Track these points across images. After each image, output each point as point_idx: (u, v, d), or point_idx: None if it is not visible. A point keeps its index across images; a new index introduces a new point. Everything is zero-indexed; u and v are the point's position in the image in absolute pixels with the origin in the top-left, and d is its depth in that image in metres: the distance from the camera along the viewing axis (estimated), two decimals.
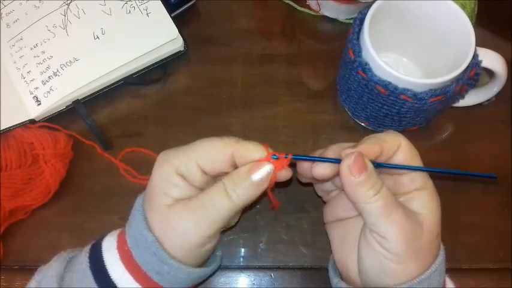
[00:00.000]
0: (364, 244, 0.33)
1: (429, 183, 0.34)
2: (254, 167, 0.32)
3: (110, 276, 0.32)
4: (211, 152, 0.32)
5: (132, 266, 0.32)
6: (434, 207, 0.33)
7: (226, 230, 0.41)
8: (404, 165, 0.33)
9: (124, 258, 0.33)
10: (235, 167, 0.33)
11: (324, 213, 0.40)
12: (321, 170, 0.33)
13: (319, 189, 0.40)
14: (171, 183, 0.32)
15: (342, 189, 0.35)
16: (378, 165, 0.33)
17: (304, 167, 0.35)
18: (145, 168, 0.46)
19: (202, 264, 0.36)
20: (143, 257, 0.32)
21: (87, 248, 0.35)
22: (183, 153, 0.32)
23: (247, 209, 0.42)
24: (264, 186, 0.32)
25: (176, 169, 0.32)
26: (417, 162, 0.34)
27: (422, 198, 0.33)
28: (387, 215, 0.31)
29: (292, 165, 0.34)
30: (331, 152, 0.35)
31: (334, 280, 0.37)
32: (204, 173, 0.32)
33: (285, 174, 0.33)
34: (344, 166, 0.31)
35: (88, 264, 0.33)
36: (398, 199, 0.33)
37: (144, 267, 0.32)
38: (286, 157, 0.32)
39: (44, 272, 0.35)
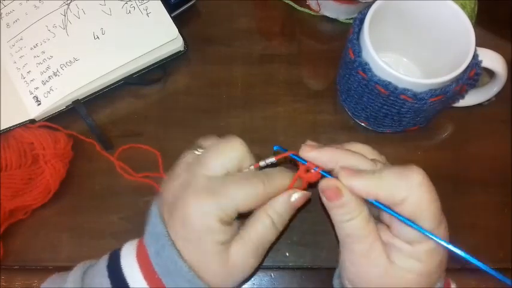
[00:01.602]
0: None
1: (425, 243, 0.30)
2: (293, 193, 0.34)
3: None
4: (249, 198, 0.32)
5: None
6: (412, 263, 0.30)
7: None
8: (401, 217, 0.29)
9: (150, 280, 0.32)
10: None
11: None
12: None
13: None
14: (215, 230, 0.31)
15: None
16: (369, 202, 0.31)
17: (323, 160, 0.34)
18: (143, 166, 0.46)
19: None
20: (175, 284, 0.32)
21: (104, 262, 0.34)
22: (224, 202, 0.31)
23: None
24: (299, 205, 0.34)
25: (220, 219, 0.31)
26: (425, 221, 0.30)
27: (404, 251, 0.30)
28: (348, 242, 0.31)
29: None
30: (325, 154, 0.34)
31: (335, 281, 0.37)
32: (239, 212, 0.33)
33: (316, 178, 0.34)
34: (319, 187, 0.32)
35: (109, 283, 0.32)
36: (384, 235, 0.32)
37: None
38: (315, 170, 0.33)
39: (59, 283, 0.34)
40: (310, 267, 0.43)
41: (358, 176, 0.30)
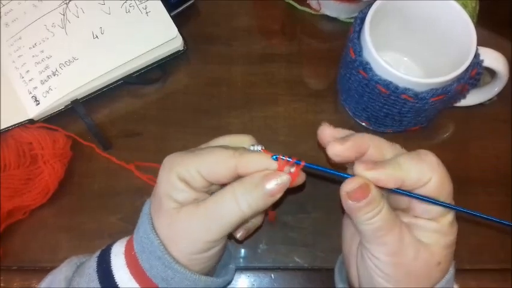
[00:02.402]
0: (360, 254, 0.33)
1: (445, 217, 0.31)
2: (270, 176, 0.30)
3: (115, 282, 0.32)
4: (213, 163, 0.31)
5: (137, 272, 0.32)
6: (440, 238, 0.31)
7: (252, 232, 0.39)
8: (422, 197, 0.30)
9: (130, 264, 0.32)
10: (239, 177, 0.32)
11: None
12: (337, 151, 0.31)
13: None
14: (175, 188, 0.31)
15: None
16: (390, 190, 0.30)
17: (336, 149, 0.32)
18: (144, 166, 0.46)
19: (209, 273, 0.35)
20: (148, 262, 0.32)
21: (97, 253, 0.35)
22: (186, 160, 0.31)
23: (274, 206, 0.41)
24: (278, 196, 0.31)
25: (179, 175, 0.31)
26: (445, 196, 0.31)
27: (429, 228, 0.31)
28: (380, 236, 0.30)
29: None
30: (342, 134, 0.32)
31: (339, 286, 0.37)
32: (207, 180, 0.32)
33: (300, 179, 0.32)
34: (342, 192, 0.30)
35: (95, 269, 0.33)
36: (403, 218, 0.32)
37: (149, 272, 0.32)
38: (298, 163, 0.31)
39: (54, 275, 0.35)
40: (311, 268, 0.43)
41: (380, 168, 0.29)
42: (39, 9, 0.49)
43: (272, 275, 0.42)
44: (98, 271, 0.33)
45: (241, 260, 0.43)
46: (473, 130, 0.49)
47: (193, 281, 0.32)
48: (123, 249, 0.33)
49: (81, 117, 0.47)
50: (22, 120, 0.46)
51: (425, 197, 0.30)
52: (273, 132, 0.48)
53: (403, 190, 0.30)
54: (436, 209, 0.31)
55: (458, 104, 0.48)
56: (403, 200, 0.32)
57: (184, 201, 0.31)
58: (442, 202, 0.30)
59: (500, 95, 0.46)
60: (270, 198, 0.31)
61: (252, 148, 0.33)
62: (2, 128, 0.45)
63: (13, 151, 0.43)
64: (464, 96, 0.46)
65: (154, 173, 0.45)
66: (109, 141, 0.47)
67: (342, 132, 0.33)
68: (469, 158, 0.48)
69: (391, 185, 0.29)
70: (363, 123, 0.48)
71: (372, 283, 0.32)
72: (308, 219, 0.44)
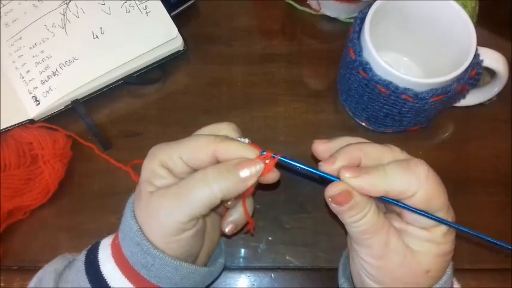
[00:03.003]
0: (351, 251, 0.33)
1: (436, 228, 0.31)
2: (244, 163, 0.31)
3: (101, 272, 0.32)
4: (194, 148, 0.32)
5: (120, 260, 0.32)
6: (430, 247, 0.31)
7: (241, 229, 0.39)
8: (409, 207, 0.30)
9: (115, 253, 0.33)
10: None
11: None
12: (320, 148, 0.33)
13: None
14: (156, 174, 0.32)
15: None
16: (377, 198, 0.30)
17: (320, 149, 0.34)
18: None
19: (191, 262, 0.34)
20: (129, 249, 0.32)
21: (87, 247, 0.35)
22: (169, 147, 0.32)
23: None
24: (250, 183, 0.31)
25: (161, 162, 0.32)
26: (436, 208, 0.31)
27: (420, 236, 0.31)
28: (365, 239, 0.30)
29: (281, 166, 0.33)
30: (337, 145, 0.33)
31: (340, 280, 0.37)
32: (189, 166, 0.32)
33: (273, 175, 0.32)
34: (326, 195, 0.30)
35: (83, 260, 0.34)
36: (396, 223, 0.32)
37: (130, 259, 0.32)
38: (274, 156, 0.31)
39: (45, 269, 0.35)
40: (311, 267, 0.43)
41: (364, 175, 0.30)
42: (39, 9, 0.49)
43: (272, 275, 0.42)
44: (85, 262, 0.33)
45: (241, 260, 0.43)
46: (473, 130, 0.49)
47: (174, 266, 0.32)
48: (111, 240, 0.34)
49: (81, 117, 0.47)
50: (22, 120, 0.46)
51: (414, 208, 0.30)
52: (273, 132, 0.48)
53: (390, 199, 0.30)
54: (427, 220, 0.31)
55: (458, 104, 0.48)
56: (392, 207, 0.33)
57: (162, 186, 0.32)
58: (429, 215, 0.30)
59: (500, 95, 0.46)
60: (242, 184, 0.31)
61: (242, 140, 0.33)
62: (2, 128, 0.45)
63: (13, 151, 0.43)
64: (464, 96, 0.46)
65: None
66: (109, 141, 0.47)
67: (335, 144, 0.33)
68: (469, 158, 0.48)
69: (373, 194, 0.30)
70: (363, 123, 0.48)
71: (361, 281, 0.33)
72: (308, 219, 0.44)
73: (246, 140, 0.33)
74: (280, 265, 0.43)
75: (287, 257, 0.43)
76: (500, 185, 0.47)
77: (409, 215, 0.31)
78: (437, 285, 0.32)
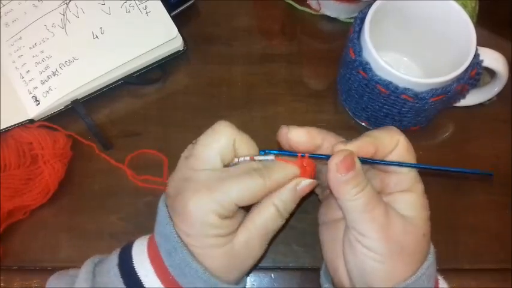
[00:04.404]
0: (346, 243, 0.33)
1: (417, 186, 0.33)
2: (303, 188, 0.33)
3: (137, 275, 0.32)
4: (250, 196, 0.32)
5: (157, 262, 0.33)
6: (419, 209, 0.33)
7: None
8: (393, 162, 0.33)
9: (152, 256, 0.33)
10: None
11: (319, 215, 0.39)
12: (295, 137, 0.34)
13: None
14: (217, 227, 0.32)
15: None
16: (364, 161, 0.32)
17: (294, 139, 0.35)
18: (147, 168, 0.46)
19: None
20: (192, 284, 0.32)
21: (114, 260, 0.34)
22: (221, 198, 0.31)
23: None
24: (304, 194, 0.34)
25: (218, 213, 0.31)
26: (412, 161, 0.34)
27: (407, 200, 0.33)
28: (367, 211, 0.31)
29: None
30: (327, 141, 0.34)
31: (325, 286, 0.37)
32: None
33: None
34: (332, 163, 0.31)
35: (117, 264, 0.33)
36: (383, 198, 0.33)
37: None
38: (303, 156, 0.33)
39: (67, 276, 0.35)
40: (310, 267, 0.43)
41: (354, 141, 0.32)
42: (39, 10, 0.49)
43: (272, 275, 0.42)
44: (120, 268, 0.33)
45: None
46: (472, 130, 0.49)
47: (204, 280, 0.32)
48: (150, 264, 0.33)
49: (81, 117, 0.47)
50: (22, 120, 0.46)
51: (397, 162, 0.33)
52: (273, 132, 0.48)
53: (378, 160, 0.33)
54: (406, 178, 0.33)
55: (458, 104, 0.48)
56: (376, 183, 0.34)
57: (227, 233, 0.32)
58: (414, 164, 0.33)
59: (500, 95, 0.46)
60: (299, 197, 0.34)
61: (266, 158, 0.34)
62: (2, 128, 0.45)
63: (13, 151, 0.43)
64: (464, 96, 0.46)
65: (152, 172, 0.45)
66: (109, 141, 0.47)
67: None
68: (469, 158, 0.48)
69: (370, 149, 0.32)
70: (363, 123, 0.48)
71: (365, 272, 0.32)
72: (308, 219, 0.44)
73: (272, 157, 0.34)
74: (280, 265, 0.43)
75: (287, 257, 0.43)
76: (500, 185, 0.46)
77: (391, 181, 0.33)
78: (431, 249, 0.34)
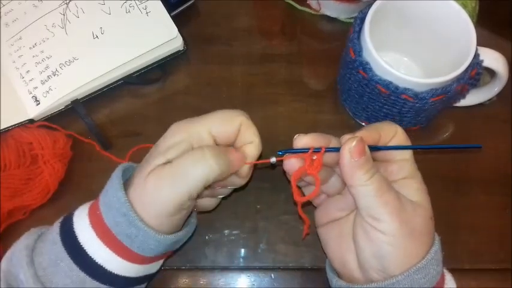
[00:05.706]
0: (360, 232, 0.34)
1: (417, 174, 0.36)
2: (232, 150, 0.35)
3: (78, 241, 0.33)
4: (223, 120, 0.34)
5: (101, 229, 0.33)
6: (423, 193, 0.35)
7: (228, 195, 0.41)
8: (394, 146, 0.35)
9: (94, 223, 0.33)
10: None
11: (316, 217, 0.40)
12: (300, 145, 0.35)
13: None
14: (176, 147, 0.33)
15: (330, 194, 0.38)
16: (372, 149, 0.34)
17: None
18: None
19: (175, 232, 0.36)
20: (113, 219, 0.33)
21: (60, 219, 0.35)
22: (197, 122, 0.34)
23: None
24: (235, 168, 0.35)
25: (190, 136, 0.33)
26: (409, 151, 0.36)
27: (411, 186, 0.35)
28: (380, 195, 0.32)
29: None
30: (332, 144, 0.36)
31: (333, 280, 0.37)
32: (216, 142, 0.34)
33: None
34: (345, 149, 0.33)
35: (58, 232, 0.34)
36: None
37: (114, 229, 0.33)
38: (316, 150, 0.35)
39: (14, 247, 0.35)
40: (311, 267, 0.43)
41: (360, 131, 0.35)
42: (39, 9, 0.49)
43: (272, 275, 0.42)
44: (60, 233, 0.34)
45: (241, 260, 0.43)
46: (472, 130, 0.49)
47: (158, 240, 0.33)
48: (87, 210, 0.34)
49: (81, 117, 0.47)
50: (22, 120, 0.46)
51: (401, 146, 0.35)
52: (273, 132, 0.48)
53: (384, 146, 0.35)
54: (407, 164, 0.35)
55: (458, 104, 0.48)
56: (381, 172, 0.35)
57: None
58: (414, 146, 0.36)
59: (500, 95, 0.46)
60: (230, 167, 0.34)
61: (271, 160, 0.36)
62: (2, 128, 0.45)
63: (13, 151, 0.43)
64: (464, 96, 0.46)
65: None
66: (109, 141, 0.47)
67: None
68: (469, 158, 0.48)
69: (376, 136, 0.35)
70: (363, 123, 0.48)
71: (382, 257, 0.33)
72: (308, 219, 0.44)
73: (274, 159, 0.36)
74: (280, 265, 0.43)
75: (287, 257, 0.43)
76: (500, 185, 0.46)
77: (393, 167, 0.35)
78: (436, 236, 0.35)
